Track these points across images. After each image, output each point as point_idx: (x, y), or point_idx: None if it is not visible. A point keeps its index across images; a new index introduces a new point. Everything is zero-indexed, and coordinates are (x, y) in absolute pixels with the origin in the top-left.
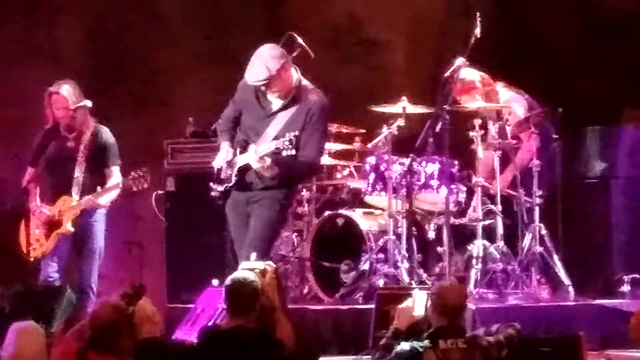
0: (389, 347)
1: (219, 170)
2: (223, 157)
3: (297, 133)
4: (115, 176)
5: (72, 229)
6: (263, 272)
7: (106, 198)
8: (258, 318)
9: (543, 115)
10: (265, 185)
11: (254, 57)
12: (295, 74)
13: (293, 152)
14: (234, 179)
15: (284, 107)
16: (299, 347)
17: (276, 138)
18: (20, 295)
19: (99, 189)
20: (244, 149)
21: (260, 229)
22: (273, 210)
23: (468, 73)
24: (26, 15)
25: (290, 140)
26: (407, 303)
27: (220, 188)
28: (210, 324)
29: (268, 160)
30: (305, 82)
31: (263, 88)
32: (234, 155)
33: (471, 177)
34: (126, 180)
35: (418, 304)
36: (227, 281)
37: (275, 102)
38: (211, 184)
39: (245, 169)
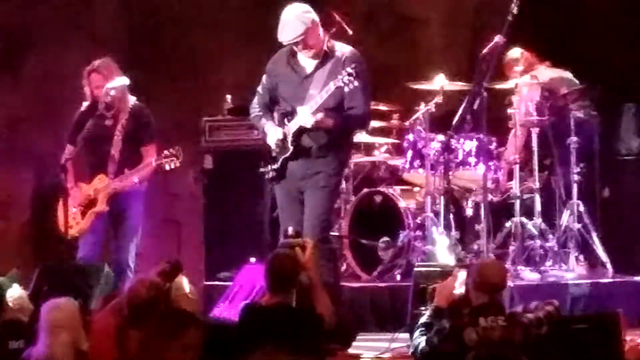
0: (430, 325)
1: (268, 150)
2: (274, 133)
3: (353, 65)
4: (151, 155)
5: (107, 208)
6: (303, 249)
7: (139, 177)
8: (298, 294)
9: (581, 93)
10: (320, 145)
11: (284, 18)
12: (322, 32)
13: (356, 83)
14: (291, 147)
15: (319, 67)
16: (338, 324)
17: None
18: (58, 273)
19: (126, 170)
20: (292, 117)
21: (320, 207)
22: (328, 189)
23: (511, 51)
24: None
25: (349, 74)
26: (447, 281)
27: (275, 165)
28: (248, 301)
29: (319, 115)
30: (331, 40)
31: (298, 48)
32: (283, 126)
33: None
34: (158, 159)
35: (459, 282)
36: (268, 258)
37: (309, 63)
38: (262, 168)
39: (300, 135)
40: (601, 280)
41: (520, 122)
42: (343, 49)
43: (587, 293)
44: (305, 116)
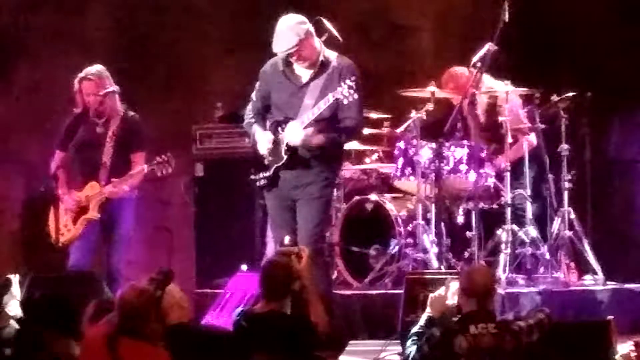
0: (422, 335)
1: (259, 157)
2: (264, 141)
3: (353, 78)
4: (139, 162)
5: (99, 215)
6: (298, 256)
7: (129, 184)
8: (292, 302)
9: (572, 100)
10: (314, 155)
11: (279, 29)
12: (319, 42)
13: (356, 96)
14: (284, 156)
15: (315, 76)
16: (332, 332)
17: (315, 106)
18: (50, 282)
19: (115, 179)
20: (285, 126)
21: (315, 218)
22: (322, 200)
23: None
24: (56, 1)
25: (349, 86)
26: (440, 292)
27: (268, 173)
28: (239, 309)
29: (310, 130)
30: (327, 50)
31: (292, 59)
32: (277, 135)
33: (500, 162)
34: (150, 165)
35: (451, 292)
36: (263, 265)
37: (305, 73)
38: (253, 176)
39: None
40: (592, 288)
41: (511, 129)
42: (339, 59)
43: (578, 300)
44: (295, 132)
